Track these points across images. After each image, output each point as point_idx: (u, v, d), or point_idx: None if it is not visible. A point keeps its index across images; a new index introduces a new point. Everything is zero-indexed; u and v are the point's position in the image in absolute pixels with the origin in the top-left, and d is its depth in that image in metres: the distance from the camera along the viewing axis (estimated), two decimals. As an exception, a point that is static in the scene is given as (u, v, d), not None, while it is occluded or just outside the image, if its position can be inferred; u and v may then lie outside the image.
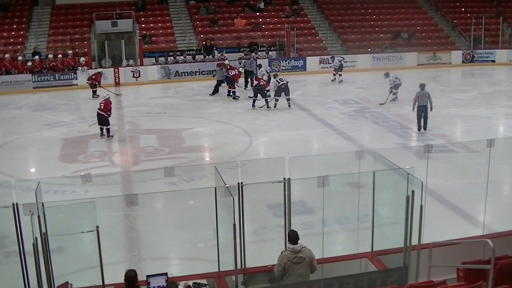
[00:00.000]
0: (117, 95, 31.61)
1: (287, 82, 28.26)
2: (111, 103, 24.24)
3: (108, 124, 23.65)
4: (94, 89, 32.35)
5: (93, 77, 32.54)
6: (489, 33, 43.86)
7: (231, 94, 31.11)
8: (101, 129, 23.71)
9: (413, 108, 23.11)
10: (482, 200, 12.97)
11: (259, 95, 28.19)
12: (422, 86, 23.06)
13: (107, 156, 21.74)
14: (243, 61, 34.53)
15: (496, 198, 15.91)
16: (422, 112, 22.98)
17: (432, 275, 10.42)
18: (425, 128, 23.10)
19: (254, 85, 28.92)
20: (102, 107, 23.57)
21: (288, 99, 28.39)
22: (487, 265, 9.45)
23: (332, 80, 35.85)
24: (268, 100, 28.12)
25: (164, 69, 37.47)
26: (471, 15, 44.37)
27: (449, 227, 14.37)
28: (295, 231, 9.80)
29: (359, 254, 11.29)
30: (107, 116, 23.56)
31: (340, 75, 35.65)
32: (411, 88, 32.75)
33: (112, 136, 23.76)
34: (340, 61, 35.90)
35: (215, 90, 32.51)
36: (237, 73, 31.58)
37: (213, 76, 33.57)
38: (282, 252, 9.96)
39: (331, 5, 46.11)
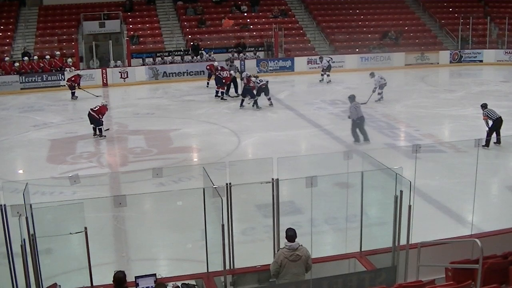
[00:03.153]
0: (96, 96, 31.43)
1: (267, 81, 28.38)
2: (106, 110, 24.38)
3: (99, 124, 23.76)
4: (73, 91, 32.28)
5: (73, 78, 32.38)
6: (476, 33, 44.06)
7: (220, 94, 31.08)
8: (94, 129, 23.80)
9: (488, 125, 21.14)
10: (470, 199, 13.03)
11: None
12: (485, 105, 21.46)
13: (95, 157, 21.69)
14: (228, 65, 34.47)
15: (484, 197, 15.99)
16: (499, 124, 21.11)
17: (421, 275, 10.45)
18: (499, 142, 21.26)
19: (243, 86, 28.94)
20: (96, 109, 23.72)
21: (269, 99, 28.57)
22: (476, 265, 9.48)
23: (320, 81, 35.79)
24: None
25: (152, 70, 37.38)
26: (458, 15, 44.53)
27: (437, 227, 14.42)
28: (293, 229, 9.83)
29: (347, 254, 11.29)
30: (98, 118, 23.64)
31: (328, 75, 35.56)
32: (399, 88, 33.11)
33: (105, 136, 23.79)
34: (328, 62, 35.83)
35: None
36: (228, 75, 31.45)
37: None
38: (279, 249, 9.98)
39: (319, 5, 46.13)
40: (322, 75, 35.93)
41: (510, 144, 20.76)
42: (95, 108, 23.80)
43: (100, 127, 23.76)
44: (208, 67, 34.31)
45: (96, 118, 23.58)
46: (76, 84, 32.29)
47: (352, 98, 22.65)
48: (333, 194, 13.48)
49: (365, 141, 22.00)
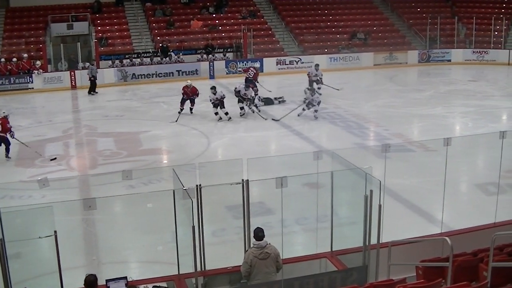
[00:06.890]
0: None
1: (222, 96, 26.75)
2: (8, 122, 21.58)
3: (9, 143, 21.39)
4: None
5: None
6: (444, 33, 44.39)
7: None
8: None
9: None
10: (440, 198, 13.10)
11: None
12: None
13: (64, 160, 21.51)
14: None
15: (454, 196, 16.10)
16: None
17: (392, 273, 10.50)
18: None
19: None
20: None
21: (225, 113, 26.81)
22: (446, 263, 9.56)
23: (302, 111, 26.94)
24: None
25: (120, 72, 37.16)
26: (426, 15, 44.85)
27: (407, 225, 14.50)
28: (261, 228, 9.89)
29: (318, 254, 11.32)
30: (5, 136, 21.22)
31: (319, 88, 30.19)
32: (368, 88, 33.28)
33: (10, 157, 21.50)
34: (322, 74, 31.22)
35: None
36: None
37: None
38: (247, 250, 9.98)
39: (287, 6, 46.19)
40: (309, 88, 28.84)
41: (478, 143, 20.92)
42: None
43: (9, 146, 21.37)
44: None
45: (4, 136, 21.14)
46: None
47: None
48: (303, 195, 13.48)
49: None
